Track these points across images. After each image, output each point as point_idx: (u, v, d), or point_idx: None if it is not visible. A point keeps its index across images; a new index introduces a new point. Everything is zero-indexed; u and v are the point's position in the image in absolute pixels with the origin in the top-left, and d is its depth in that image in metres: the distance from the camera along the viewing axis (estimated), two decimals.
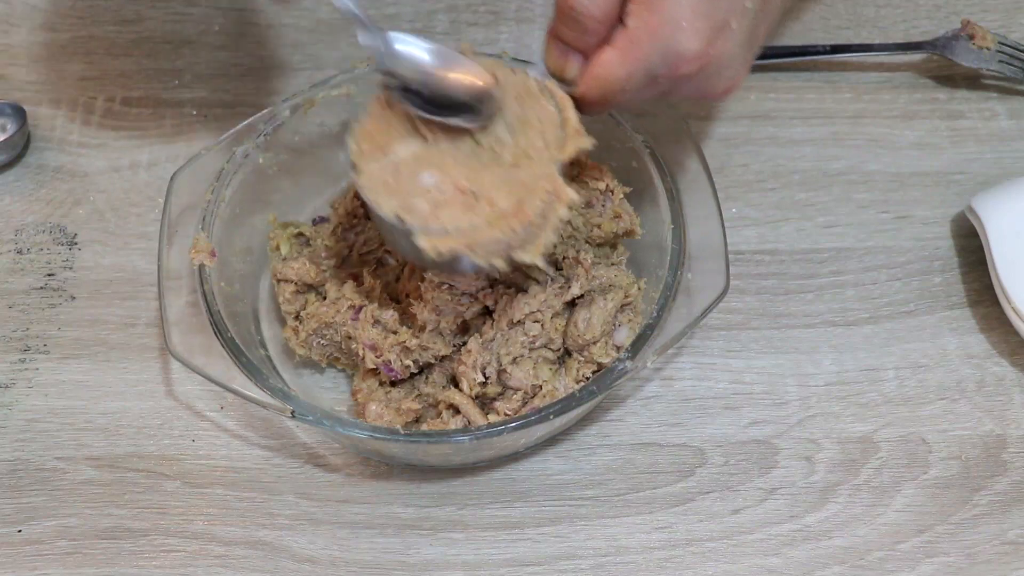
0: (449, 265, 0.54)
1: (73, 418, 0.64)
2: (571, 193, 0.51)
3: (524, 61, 0.60)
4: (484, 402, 0.60)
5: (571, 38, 0.53)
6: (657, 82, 0.54)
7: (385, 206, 0.51)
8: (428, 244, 0.50)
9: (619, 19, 0.52)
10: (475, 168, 0.52)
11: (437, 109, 0.53)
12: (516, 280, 0.59)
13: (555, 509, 0.61)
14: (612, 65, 0.52)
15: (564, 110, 0.54)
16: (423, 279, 0.58)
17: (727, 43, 0.54)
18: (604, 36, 0.52)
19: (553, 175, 0.52)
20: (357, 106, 0.66)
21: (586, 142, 0.53)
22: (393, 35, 0.53)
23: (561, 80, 0.54)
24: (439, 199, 0.51)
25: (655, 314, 0.58)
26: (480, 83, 0.53)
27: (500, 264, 0.51)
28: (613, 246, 0.64)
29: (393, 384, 0.61)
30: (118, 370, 0.66)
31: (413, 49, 0.53)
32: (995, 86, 0.78)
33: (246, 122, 0.65)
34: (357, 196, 0.66)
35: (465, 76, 0.53)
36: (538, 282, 0.59)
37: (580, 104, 0.54)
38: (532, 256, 0.51)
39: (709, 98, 0.58)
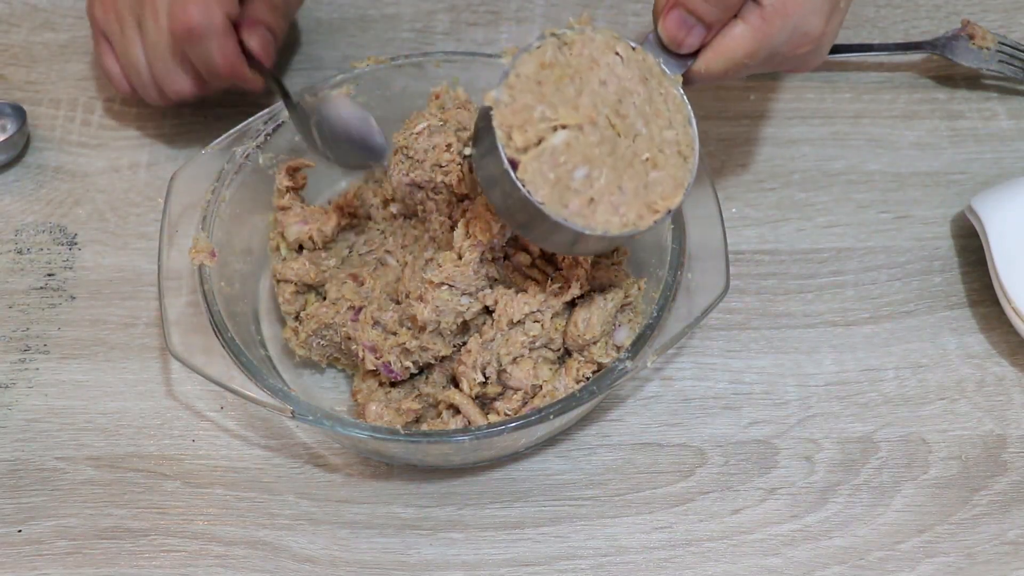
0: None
1: (73, 418, 0.64)
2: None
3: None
4: (484, 402, 0.60)
5: (705, 11, 0.53)
6: (774, 59, 0.55)
7: (553, 209, 0.51)
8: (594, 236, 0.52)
9: None
10: (617, 165, 0.52)
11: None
12: (516, 280, 0.59)
13: (555, 509, 0.61)
14: (744, 40, 0.53)
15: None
16: (423, 279, 0.58)
17: (837, 20, 0.56)
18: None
19: (678, 196, 0.53)
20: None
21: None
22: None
23: (675, 51, 0.54)
24: (592, 195, 0.51)
25: (655, 314, 0.58)
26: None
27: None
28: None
29: (393, 384, 0.61)
30: (118, 370, 0.66)
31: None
32: (995, 86, 0.78)
33: (246, 122, 0.65)
34: (357, 196, 0.66)
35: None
36: (538, 282, 0.59)
37: (693, 76, 0.55)
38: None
39: (798, 72, 0.58)
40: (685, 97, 0.54)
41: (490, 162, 0.52)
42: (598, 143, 0.51)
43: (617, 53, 0.53)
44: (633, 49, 0.53)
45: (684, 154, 0.53)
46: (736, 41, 0.54)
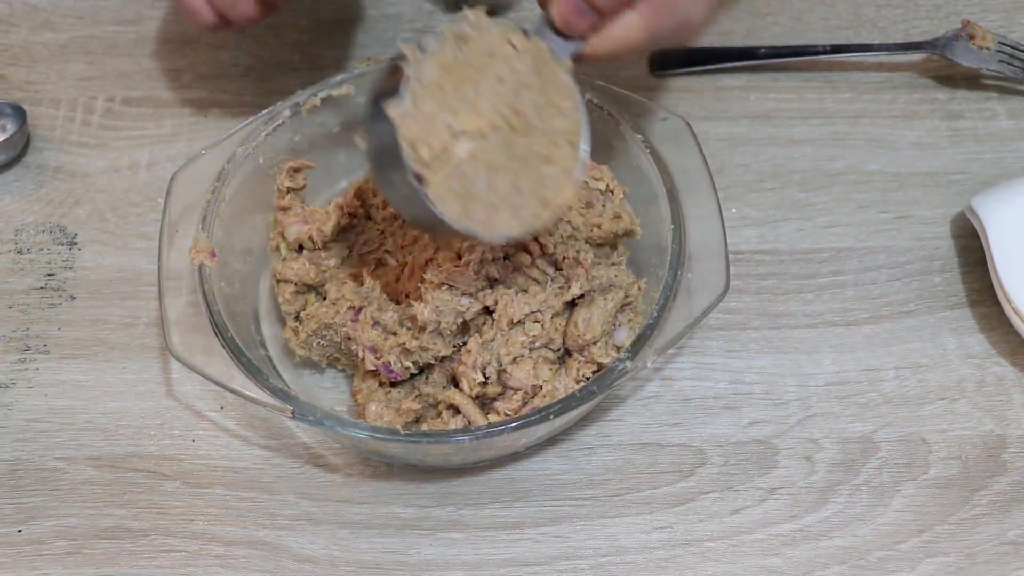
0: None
1: (73, 418, 0.64)
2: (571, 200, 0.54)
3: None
4: (484, 402, 0.60)
5: (601, 0, 0.53)
6: (658, 43, 0.55)
7: (458, 221, 0.51)
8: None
9: None
10: (515, 167, 0.52)
11: None
12: (516, 280, 0.59)
13: (555, 509, 0.61)
14: (633, 30, 0.54)
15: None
16: (423, 280, 0.58)
17: (717, 7, 0.57)
18: None
19: (569, 187, 0.53)
20: (355, 106, 0.67)
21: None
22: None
23: (564, 34, 0.54)
24: (494, 201, 0.51)
25: (655, 314, 0.58)
26: None
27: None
28: (613, 246, 0.64)
29: (393, 384, 0.61)
30: (118, 370, 0.66)
31: None
32: (995, 86, 0.78)
33: (246, 122, 0.65)
34: (357, 196, 0.66)
35: None
36: (538, 282, 0.59)
37: (579, 57, 0.55)
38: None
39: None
40: (574, 82, 0.54)
41: (393, 172, 0.51)
42: (498, 146, 0.51)
43: (511, 43, 0.53)
44: (527, 37, 0.53)
45: (573, 143, 0.53)
46: (626, 30, 0.54)
